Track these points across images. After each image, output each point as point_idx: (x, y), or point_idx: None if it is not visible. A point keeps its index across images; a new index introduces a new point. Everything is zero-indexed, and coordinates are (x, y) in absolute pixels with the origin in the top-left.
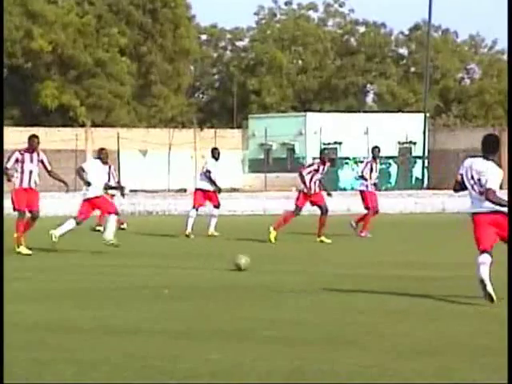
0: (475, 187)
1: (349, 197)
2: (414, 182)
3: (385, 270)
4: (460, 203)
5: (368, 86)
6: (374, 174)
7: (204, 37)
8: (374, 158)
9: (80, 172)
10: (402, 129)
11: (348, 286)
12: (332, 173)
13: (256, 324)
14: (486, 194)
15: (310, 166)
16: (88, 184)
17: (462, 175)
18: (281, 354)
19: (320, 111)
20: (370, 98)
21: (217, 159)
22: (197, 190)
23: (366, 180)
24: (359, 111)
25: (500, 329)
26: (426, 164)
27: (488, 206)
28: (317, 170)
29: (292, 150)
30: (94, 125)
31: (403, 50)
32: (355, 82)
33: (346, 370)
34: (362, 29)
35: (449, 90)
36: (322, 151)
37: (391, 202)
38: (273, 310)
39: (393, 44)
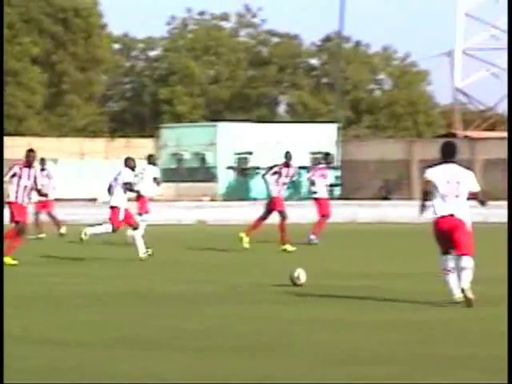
0: (451, 192)
1: (260, 206)
2: None
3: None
4: (374, 213)
5: (280, 96)
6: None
7: (117, 46)
8: (328, 163)
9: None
10: (314, 139)
11: (267, 295)
12: (244, 183)
13: (165, 333)
14: (476, 195)
15: (271, 168)
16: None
17: (430, 182)
18: (189, 363)
19: (232, 121)
20: (282, 109)
21: (133, 169)
22: (113, 207)
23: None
24: (271, 121)
25: (417, 338)
26: (338, 174)
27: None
28: (280, 173)
29: (203, 159)
30: (5, 134)
31: (315, 61)
32: (267, 93)
33: (257, 376)
34: (274, 39)
35: (360, 101)
36: (286, 154)
37: (302, 212)
38: (185, 319)
39: (304, 55)
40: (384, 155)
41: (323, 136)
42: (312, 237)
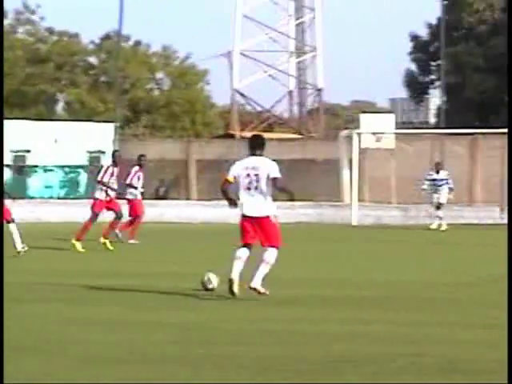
0: (251, 185)
1: (38, 205)
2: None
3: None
4: (152, 213)
5: (58, 94)
6: (141, 183)
7: None
8: (140, 166)
9: None
10: (92, 138)
11: (47, 294)
12: (21, 181)
13: None
14: (274, 182)
15: (105, 171)
16: None
17: (227, 182)
18: None
19: (9, 119)
20: (60, 107)
21: None
22: None
23: (135, 188)
24: (50, 119)
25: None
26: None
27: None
28: (112, 174)
29: None
30: None
31: (93, 59)
32: (45, 90)
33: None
34: (54, 37)
35: (138, 101)
36: (113, 153)
37: (81, 211)
38: None
39: (83, 53)
40: (162, 155)
41: (101, 135)
42: (131, 241)
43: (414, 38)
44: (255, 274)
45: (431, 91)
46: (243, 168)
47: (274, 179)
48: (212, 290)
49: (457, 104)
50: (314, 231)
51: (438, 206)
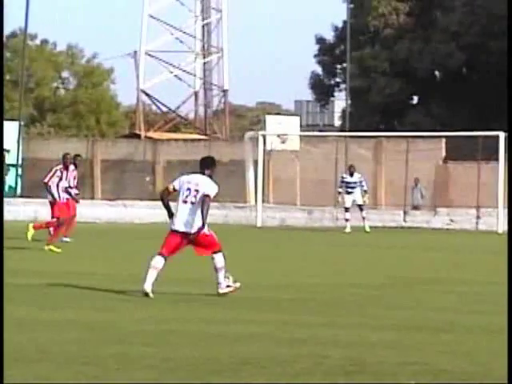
0: (189, 198)
1: None
2: (7, 189)
3: None
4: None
5: None
6: (65, 183)
7: None
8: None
9: None
10: None
11: None
12: None
13: None
14: (204, 198)
15: (53, 174)
16: None
17: (174, 188)
18: None
19: None
20: None
21: None
22: None
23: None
24: None
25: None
26: (19, 172)
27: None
28: (61, 178)
29: None
30: None
31: None
32: None
33: None
34: None
35: (44, 99)
36: (63, 156)
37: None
38: None
39: None
40: None
41: (5, 133)
42: (65, 239)
43: (320, 40)
44: (218, 282)
45: (336, 94)
46: (186, 182)
47: (206, 196)
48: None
49: (362, 107)
50: (219, 232)
51: (361, 208)
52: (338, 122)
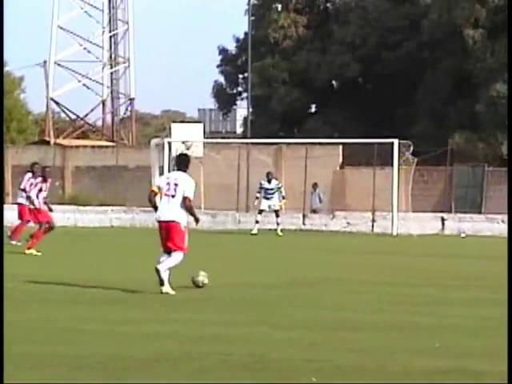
0: (169, 192)
1: None
2: None
3: None
4: None
5: None
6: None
7: None
8: (34, 173)
9: None
10: None
11: None
12: None
13: None
14: (184, 200)
15: (30, 184)
16: None
17: (158, 187)
18: None
19: None
20: None
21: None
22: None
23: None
24: None
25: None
26: None
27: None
28: (40, 189)
29: None
30: None
31: None
32: None
33: None
34: None
35: None
36: (42, 169)
37: None
38: None
39: None
40: None
41: None
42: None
43: (223, 51)
44: (161, 279)
45: (239, 102)
46: (166, 178)
47: (185, 198)
48: (202, 286)
49: (263, 115)
50: (127, 235)
51: (277, 214)
52: (239, 130)
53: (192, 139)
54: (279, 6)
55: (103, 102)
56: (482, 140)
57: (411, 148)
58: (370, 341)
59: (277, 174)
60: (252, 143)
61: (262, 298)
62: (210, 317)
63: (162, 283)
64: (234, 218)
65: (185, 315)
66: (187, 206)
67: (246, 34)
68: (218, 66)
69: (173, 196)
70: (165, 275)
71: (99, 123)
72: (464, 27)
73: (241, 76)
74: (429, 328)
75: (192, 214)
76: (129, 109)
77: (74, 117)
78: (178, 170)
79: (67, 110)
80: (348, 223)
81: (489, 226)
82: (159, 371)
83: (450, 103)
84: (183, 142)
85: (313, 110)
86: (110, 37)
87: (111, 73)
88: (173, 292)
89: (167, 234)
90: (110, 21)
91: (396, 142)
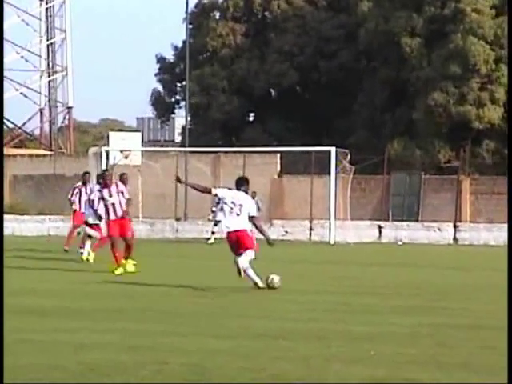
0: (234, 210)
1: None
2: None
3: None
4: None
5: None
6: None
7: None
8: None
9: None
10: None
11: None
12: None
13: None
14: (252, 221)
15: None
16: None
17: (216, 194)
18: None
19: None
20: None
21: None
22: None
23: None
24: None
25: None
26: None
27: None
28: (80, 192)
29: None
30: None
31: None
32: None
33: None
34: None
35: None
36: (83, 174)
37: None
38: None
39: None
40: None
41: None
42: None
43: (161, 59)
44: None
45: (177, 111)
46: (231, 197)
47: (252, 217)
48: (277, 288)
49: (202, 123)
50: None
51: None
52: (178, 138)
53: (130, 148)
54: (217, 15)
55: (41, 111)
56: (419, 147)
57: (348, 156)
58: (306, 349)
59: (215, 182)
60: (190, 152)
61: (198, 308)
62: (147, 326)
63: (239, 273)
64: (172, 227)
65: (121, 325)
66: (258, 226)
67: (184, 42)
68: (156, 75)
69: (238, 215)
70: (250, 272)
71: (37, 132)
72: (401, 36)
73: (179, 84)
74: (365, 336)
75: (263, 233)
76: (66, 117)
77: (11, 126)
78: (238, 189)
79: (5, 118)
80: (286, 232)
81: (426, 234)
82: (93, 381)
83: (387, 111)
84: (121, 151)
85: (251, 118)
86: (48, 45)
87: (49, 81)
88: (259, 282)
89: (238, 240)
90: (47, 29)
91: (333, 150)
